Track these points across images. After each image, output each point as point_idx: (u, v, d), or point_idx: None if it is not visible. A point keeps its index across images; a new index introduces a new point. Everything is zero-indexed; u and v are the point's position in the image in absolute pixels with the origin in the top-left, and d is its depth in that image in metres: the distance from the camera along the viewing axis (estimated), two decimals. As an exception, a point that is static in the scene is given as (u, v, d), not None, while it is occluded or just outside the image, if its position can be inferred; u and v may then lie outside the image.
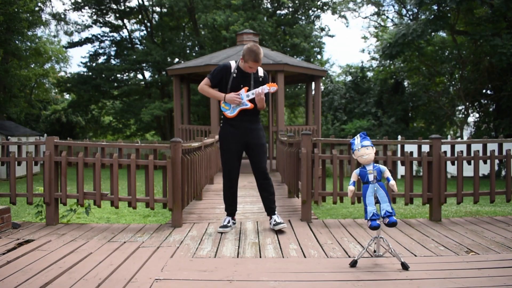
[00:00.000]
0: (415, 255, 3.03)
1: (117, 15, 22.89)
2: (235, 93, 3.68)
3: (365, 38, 28.58)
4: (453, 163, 4.31)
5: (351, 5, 22.54)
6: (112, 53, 23.52)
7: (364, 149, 2.82)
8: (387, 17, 23.07)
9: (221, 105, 3.78)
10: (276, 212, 3.89)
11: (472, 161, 4.32)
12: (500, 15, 12.94)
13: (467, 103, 16.54)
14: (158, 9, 23.20)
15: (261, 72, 3.81)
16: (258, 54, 3.61)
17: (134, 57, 21.11)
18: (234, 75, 3.72)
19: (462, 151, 4.31)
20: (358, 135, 2.94)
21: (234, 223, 3.98)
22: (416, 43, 14.67)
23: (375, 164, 2.86)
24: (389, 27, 22.21)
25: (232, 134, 3.77)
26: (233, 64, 3.78)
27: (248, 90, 3.69)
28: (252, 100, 3.70)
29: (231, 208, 3.97)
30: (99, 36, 23.27)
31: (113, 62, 22.95)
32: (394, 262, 2.85)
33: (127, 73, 22.81)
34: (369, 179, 2.81)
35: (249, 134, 3.77)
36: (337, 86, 20.78)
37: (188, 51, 22.38)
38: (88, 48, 72.88)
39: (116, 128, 25.97)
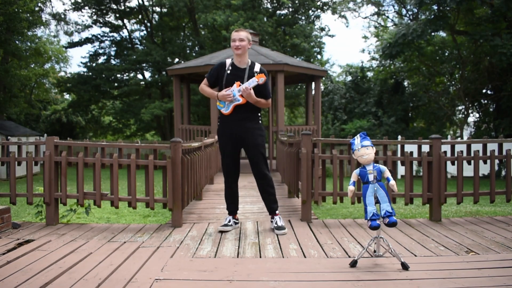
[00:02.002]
0: (415, 255, 3.03)
1: (117, 15, 22.89)
2: (225, 89, 3.67)
3: (365, 37, 28.60)
4: (453, 163, 4.31)
5: (351, 5, 22.54)
6: (112, 53, 23.53)
7: (364, 149, 2.82)
8: (387, 17, 23.07)
9: (217, 103, 3.78)
10: (278, 212, 3.88)
11: (472, 161, 4.32)
12: (500, 15, 12.94)
13: (467, 103, 16.54)
14: (158, 9, 23.21)
15: (257, 67, 3.79)
16: (237, 29, 3.77)
17: (134, 57, 21.12)
18: (228, 71, 3.73)
19: (462, 151, 4.31)
20: (358, 135, 2.92)
21: (236, 223, 3.96)
22: (416, 43, 14.67)
23: (375, 164, 2.85)
24: (389, 27, 22.21)
25: (227, 132, 3.77)
26: (228, 61, 3.81)
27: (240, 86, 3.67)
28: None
29: (231, 206, 3.95)
30: (99, 36, 23.28)
31: (113, 62, 22.95)
32: (394, 262, 2.85)
33: (127, 73, 22.82)
34: (369, 179, 2.81)
35: (244, 133, 3.74)
36: (337, 86, 20.78)
37: (188, 51, 22.38)
38: (88, 48, 72.92)
39: (116, 128, 25.97)
